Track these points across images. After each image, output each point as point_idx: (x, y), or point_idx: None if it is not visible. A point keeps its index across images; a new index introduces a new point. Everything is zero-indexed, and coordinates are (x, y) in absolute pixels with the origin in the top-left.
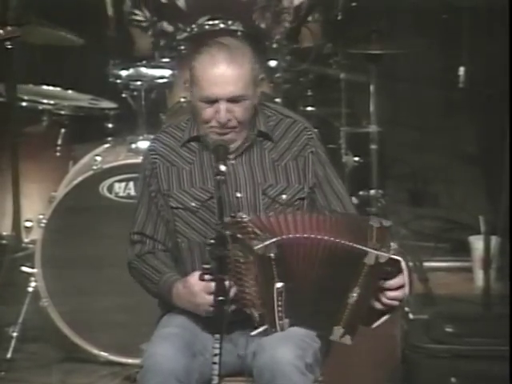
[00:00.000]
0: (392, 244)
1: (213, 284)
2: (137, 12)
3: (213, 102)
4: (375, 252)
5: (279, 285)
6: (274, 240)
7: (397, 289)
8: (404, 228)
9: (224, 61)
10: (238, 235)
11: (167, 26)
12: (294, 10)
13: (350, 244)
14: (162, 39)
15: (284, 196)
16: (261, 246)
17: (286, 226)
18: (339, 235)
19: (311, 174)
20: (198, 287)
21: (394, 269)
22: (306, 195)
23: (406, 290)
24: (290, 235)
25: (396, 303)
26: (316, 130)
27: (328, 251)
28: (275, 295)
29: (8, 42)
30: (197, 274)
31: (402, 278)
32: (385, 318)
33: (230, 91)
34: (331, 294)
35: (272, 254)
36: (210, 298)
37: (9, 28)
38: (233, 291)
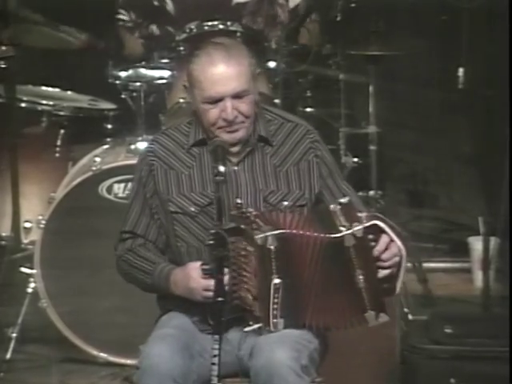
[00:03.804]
0: (360, 214)
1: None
2: (123, 12)
3: (217, 101)
4: (349, 232)
5: (277, 281)
6: (275, 232)
7: (387, 247)
8: (403, 229)
9: (223, 58)
10: (242, 226)
11: (155, 30)
12: (290, 12)
13: (326, 236)
14: (150, 42)
15: (285, 203)
16: (261, 235)
17: (290, 222)
18: (314, 230)
19: (316, 178)
20: (195, 272)
21: (376, 233)
22: (308, 201)
23: (398, 242)
24: (293, 231)
25: (396, 259)
26: (317, 131)
27: (320, 248)
28: (272, 291)
29: (2, 62)
30: (199, 262)
31: (386, 237)
32: (401, 277)
33: (234, 87)
34: (341, 288)
35: (272, 247)
36: (205, 283)
37: (3, 48)
38: (228, 280)
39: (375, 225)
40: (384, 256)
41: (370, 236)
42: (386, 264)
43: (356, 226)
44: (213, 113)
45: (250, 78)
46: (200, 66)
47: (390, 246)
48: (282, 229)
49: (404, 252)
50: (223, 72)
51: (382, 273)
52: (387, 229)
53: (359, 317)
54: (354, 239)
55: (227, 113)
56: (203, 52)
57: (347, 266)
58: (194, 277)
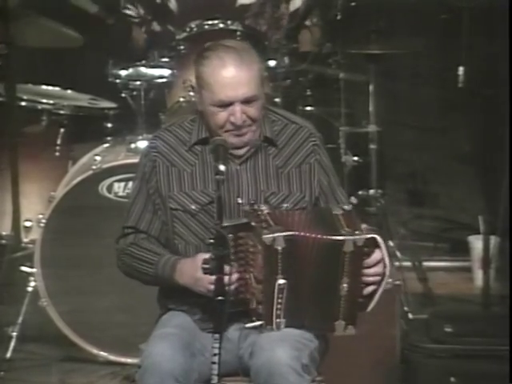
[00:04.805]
0: (362, 225)
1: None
2: (130, 7)
3: (227, 105)
4: (351, 238)
5: (281, 281)
6: (283, 234)
7: (376, 264)
8: (403, 228)
9: (234, 63)
10: (253, 223)
11: (156, 26)
12: (290, 14)
13: (328, 237)
14: (151, 39)
15: (285, 205)
16: (269, 236)
17: (299, 224)
18: (315, 231)
19: (316, 182)
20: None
21: (371, 247)
22: (308, 204)
23: (387, 261)
24: (302, 233)
25: (378, 278)
26: (319, 135)
27: (321, 248)
28: (276, 291)
29: None
30: (208, 254)
31: (378, 253)
32: (377, 296)
33: (244, 93)
34: (324, 291)
35: (279, 248)
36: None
37: None
38: (234, 277)
39: (374, 239)
40: (370, 270)
41: (366, 249)
42: (369, 279)
43: (359, 234)
44: (221, 116)
45: (260, 82)
46: (211, 68)
47: (378, 264)
48: (291, 230)
49: (388, 273)
50: (234, 76)
51: (367, 290)
52: (383, 245)
53: (329, 323)
54: (353, 246)
55: (236, 117)
56: (214, 54)
57: (336, 271)
58: (201, 267)
